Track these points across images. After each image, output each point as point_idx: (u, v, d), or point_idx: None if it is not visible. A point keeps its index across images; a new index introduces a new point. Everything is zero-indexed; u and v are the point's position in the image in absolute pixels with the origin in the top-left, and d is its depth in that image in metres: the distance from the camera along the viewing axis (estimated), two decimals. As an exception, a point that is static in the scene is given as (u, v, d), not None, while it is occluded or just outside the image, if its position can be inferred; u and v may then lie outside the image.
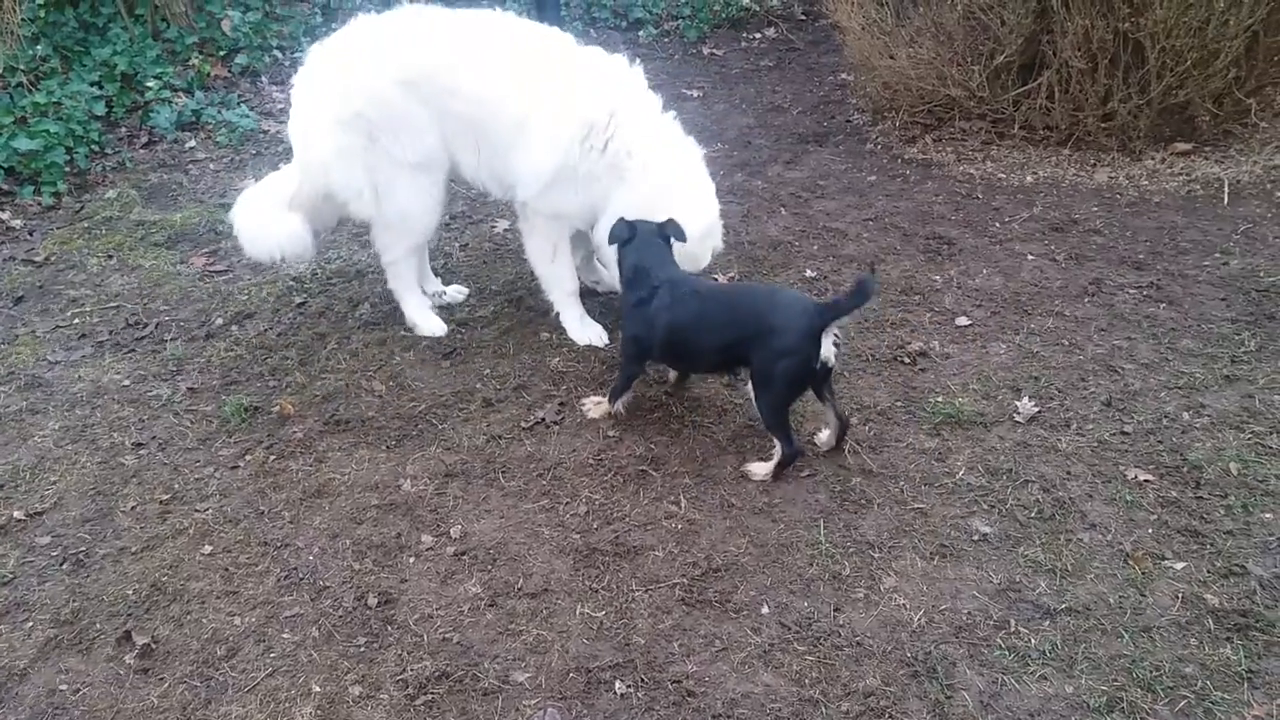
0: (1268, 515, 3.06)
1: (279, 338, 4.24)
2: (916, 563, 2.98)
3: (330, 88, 3.82)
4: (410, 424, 3.67)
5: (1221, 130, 5.49)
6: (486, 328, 4.21)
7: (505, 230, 4.93)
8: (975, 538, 3.05)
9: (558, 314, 4.17)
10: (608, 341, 4.09)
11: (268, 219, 3.91)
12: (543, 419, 3.63)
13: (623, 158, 3.71)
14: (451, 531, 3.18)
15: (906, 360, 3.87)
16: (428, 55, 3.78)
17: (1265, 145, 5.37)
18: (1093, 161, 5.40)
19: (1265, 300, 4.08)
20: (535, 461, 3.45)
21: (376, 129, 3.78)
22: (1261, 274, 4.27)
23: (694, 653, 2.73)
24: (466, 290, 4.49)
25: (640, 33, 7.51)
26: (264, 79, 6.94)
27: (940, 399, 3.64)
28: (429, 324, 4.19)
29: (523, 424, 3.62)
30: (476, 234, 4.94)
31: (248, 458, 3.56)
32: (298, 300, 4.50)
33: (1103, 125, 5.43)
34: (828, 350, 3.17)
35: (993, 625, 2.76)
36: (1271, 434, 3.37)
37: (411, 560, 3.09)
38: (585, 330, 4.12)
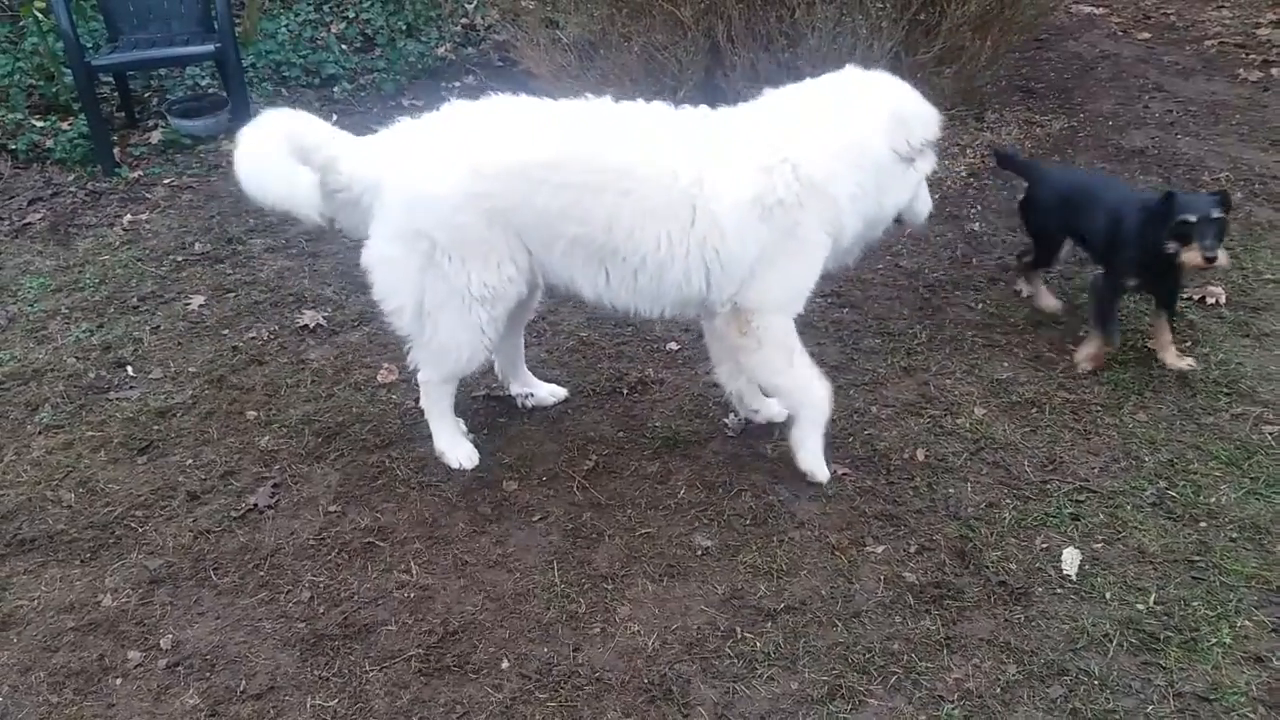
0: (950, 490, 3.39)
1: (-58, 457, 3.77)
2: (648, 587, 3.07)
3: (396, 191, 3.14)
4: (106, 532, 3.36)
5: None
6: (186, 414, 3.93)
7: (200, 307, 4.64)
8: (699, 552, 3.18)
9: (799, 446, 3.40)
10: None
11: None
12: (255, 505, 3.43)
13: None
14: (161, 643, 2.93)
15: (625, 390, 3.98)
16: (534, 154, 3.08)
17: (919, 154, 5.99)
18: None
19: (932, 295, 4.54)
20: (250, 552, 3.25)
21: (440, 253, 3.15)
22: (927, 271, 4.74)
23: (435, 723, 2.67)
24: (564, 392, 3.92)
25: (335, 89, 7.31)
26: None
27: (659, 424, 3.77)
28: (457, 453, 3.58)
29: (233, 513, 3.41)
30: (169, 313, 4.60)
31: (-89, 600, 3.14)
32: (-37, 412, 4.01)
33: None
34: None
35: (720, 635, 2.88)
36: (945, 415, 3.74)
37: (118, 682, 2.83)
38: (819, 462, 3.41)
